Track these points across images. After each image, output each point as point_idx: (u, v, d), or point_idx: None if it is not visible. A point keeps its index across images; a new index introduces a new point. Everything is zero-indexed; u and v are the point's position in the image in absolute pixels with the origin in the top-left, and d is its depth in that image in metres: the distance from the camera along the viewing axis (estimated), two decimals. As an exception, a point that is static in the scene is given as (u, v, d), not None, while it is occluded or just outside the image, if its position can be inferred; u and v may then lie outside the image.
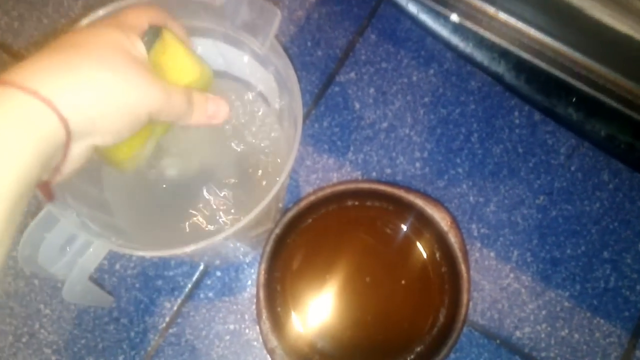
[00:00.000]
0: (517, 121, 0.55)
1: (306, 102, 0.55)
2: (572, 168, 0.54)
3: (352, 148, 0.54)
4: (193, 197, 0.43)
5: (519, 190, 0.53)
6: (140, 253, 0.34)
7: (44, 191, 0.28)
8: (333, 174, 0.53)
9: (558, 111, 0.42)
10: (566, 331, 0.50)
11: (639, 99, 0.35)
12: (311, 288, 0.47)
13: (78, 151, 0.26)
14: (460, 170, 0.54)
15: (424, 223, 0.47)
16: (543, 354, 0.49)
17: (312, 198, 0.45)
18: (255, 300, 0.44)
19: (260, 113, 0.44)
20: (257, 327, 0.44)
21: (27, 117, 0.23)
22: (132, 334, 0.49)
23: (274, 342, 0.43)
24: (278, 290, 0.46)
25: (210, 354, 0.49)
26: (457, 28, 0.42)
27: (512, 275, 0.51)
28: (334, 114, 0.55)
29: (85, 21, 0.35)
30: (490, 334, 0.50)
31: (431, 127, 0.55)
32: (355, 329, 0.46)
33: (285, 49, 0.56)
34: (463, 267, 0.44)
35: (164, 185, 0.43)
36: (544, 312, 0.50)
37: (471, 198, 0.53)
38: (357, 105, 0.55)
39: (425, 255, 0.47)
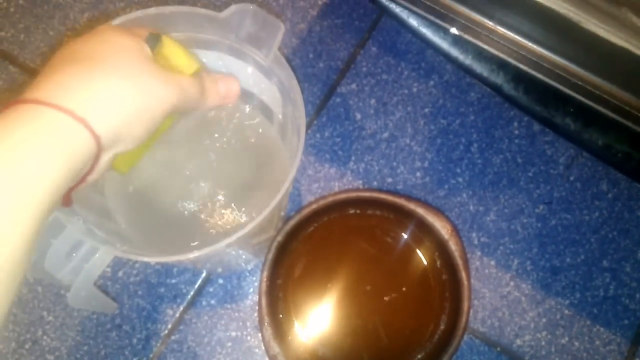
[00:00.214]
0: (516, 132, 0.56)
1: (308, 113, 0.56)
2: (571, 178, 0.55)
3: (353, 158, 0.55)
4: (195, 205, 0.43)
5: (518, 199, 0.54)
6: (145, 259, 0.35)
7: (64, 198, 0.29)
8: (335, 183, 0.54)
9: (556, 121, 0.43)
10: (566, 339, 0.50)
11: (635, 109, 0.36)
12: (313, 295, 0.47)
13: (104, 161, 0.27)
14: (460, 179, 0.54)
15: (424, 231, 0.47)
16: (543, 363, 0.50)
17: (314, 206, 0.46)
18: (257, 307, 0.45)
19: (263, 123, 0.45)
20: (259, 334, 0.45)
21: (62, 135, 0.23)
22: (135, 340, 0.50)
23: (275, 349, 0.43)
24: (280, 297, 0.47)
25: (212, 362, 0.49)
26: (456, 41, 0.43)
27: (512, 283, 0.52)
28: (336, 124, 0.56)
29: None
30: (491, 341, 0.50)
31: (431, 137, 0.56)
32: (357, 336, 0.46)
33: (288, 61, 0.57)
34: (464, 275, 0.45)
35: (165, 195, 0.43)
36: (544, 320, 0.51)
37: (471, 207, 0.54)
38: (359, 116, 0.56)
39: (426, 263, 0.48)
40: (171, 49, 0.33)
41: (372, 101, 0.56)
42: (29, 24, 0.59)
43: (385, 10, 0.46)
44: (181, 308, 0.51)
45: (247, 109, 0.45)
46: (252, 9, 0.37)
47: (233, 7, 0.37)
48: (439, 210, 0.47)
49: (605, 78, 0.35)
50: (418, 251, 0.48)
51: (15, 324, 0.50)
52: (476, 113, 0.56)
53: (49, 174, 0.23)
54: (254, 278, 0.51)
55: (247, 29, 0.38)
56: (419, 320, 0.47)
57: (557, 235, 0.53)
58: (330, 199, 0.46)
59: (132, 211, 0.43)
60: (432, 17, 0.39)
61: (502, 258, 0.52)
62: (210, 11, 0.37)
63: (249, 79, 0.43)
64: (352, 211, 0.49)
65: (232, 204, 0.44)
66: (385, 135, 0.55)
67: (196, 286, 0.51)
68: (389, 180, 0.54)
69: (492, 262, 0.52)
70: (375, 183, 0.54)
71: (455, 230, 0.46)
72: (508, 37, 0.37)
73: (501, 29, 0.37)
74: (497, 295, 0.51)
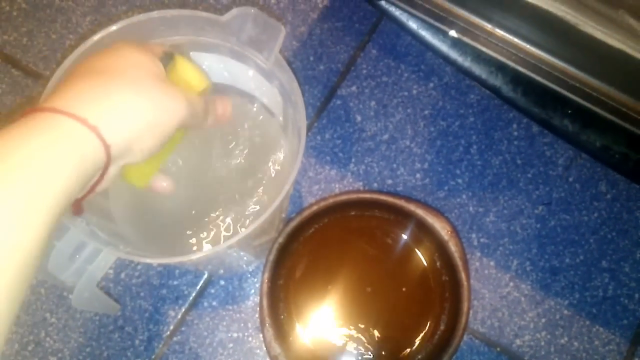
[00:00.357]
0: (515, 133, 0.56)
1: (309, 115, 0.56)
2: (570, 179, 0.55)
3: (353, 159, 0.55)
4: (198, 208, 0.44)
5: (517, 200, 0.54)
6: (147, 260, 0.35)
7: (75, 207, 0.29)
8: (335, 184, 0.54)
9: (554, 123, 0.43)
10: (566, 339, 0.50)
11: (632, 111, 0.36)
12: (314, 296, 0.47)
13: (113, 172, 0.27)
14: (460, 181, 0.55)
15: (424, 232, 0.47)
16: (543, 363, 0.50)
17: (315, 208, 0.46)
18: (258, 308, 0.45)
19: (264, 125, 0.45)
20: (260, 335, 0.45)
21: (74, 142, 0.24)
22: (137, 342, 0.50)
23: (276, 349, 0.43)
24: (281, 298, 0.47)
25: (213, 363, 0.49)
26: (455, 43, 0.44)
27: (511, 284, 0.52)
28: (336, 127, 0.56)
29: (96, 37, 0.37)
30: (491, 341, 0.50)
31: (431, 139, 0.56)
32: (357, 336, 0.47)
33: (289, 64, 0.57)
34: (463, 276, 0.45)
35: (168, 197, 0.43)
36: (543, 320, 0.51)
37: (471, 208, 0.54)
38: (359, 118, 0.56)
39: (426, 264, 0.48)
40: (184, 67, 0.34)
41: (372, 103, 0.57)
42: (32, 28, 0.59)
43: (384, 14, 0.47)
44: (183, 309, 0.51)
45: (253, 110, 0.45)
46: (253, 12, 0.37)
47: (234, 11, 0.37)
48: (438, 212, 0.48)
49: (602, 80, 0.36)
50: (418, 252, 0.49)
51: (19, 325, 0.50)
52: (476, 115, 0.56)
53: (60, 179, 0.23)
54: (255, 279, 0.52)
55: (248, 32, 0.38)
56: (419, 321, 0.47)
57: (556, 236, 0.53)
58: (331, 200, 0.47)
59: (134, 213, 0.44)
60: (431, 20, 0.39)
61: (501, 259, 0.53)
62: (211, 15, 0.38)
63: (250, 82, 0.43)
64: (352, 212, 0.49)
65: (234, 206, 0.44)
66: (386, 137, 0.56)
67: (198, 288, 0.51)
68: (389, 181, 0.55)
69: (492, 263, 0.52)
70: (375, 185, 0.55)
71: (455, 231, 0.46)
72: (506, 39, 0.37)
73: (499, 32, 0.37)
74: (497, 296, 0.51)
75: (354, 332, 0.47)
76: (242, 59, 0.41)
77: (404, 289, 0.48)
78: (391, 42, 0.59)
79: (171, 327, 0.50)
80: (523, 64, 0.38)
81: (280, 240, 0.45)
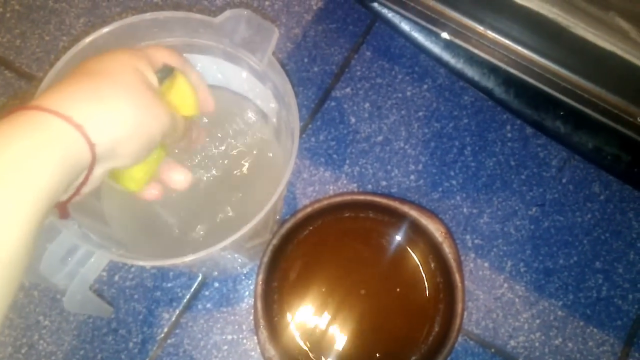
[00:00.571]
0: (509, 135, 0.56)
1: (303, 117, 0.56)
2: (564, 180, 0.55)
3: (348, 161, 0.55)
4: (190, 209, 0.44)
5: (511, 202, 0.54)
6: (140, 263, 0.35)
7: (60, 210, 0.29)
8: (329, 186, 0.54)
9: (546, 124, 0.43)
10: (560, 340, 0.51)
11: (623, 112, 0.36)
12: (308, 298, 0.47)
13: (98, 174, 0.27)
14: (454, 182, 0.55)
15: (418, 234, 0.47)
16: (537, 364, 0.50)
17: (309, 210, 0.46)
18: (252, 310, 0.45)
19: (257, 127, 0.45)
20: (255, 337, 0.45)
21: (59, 140, 0.24)
22: (131, 344, 0.50)
23: (271, 351, 0.43)
24: (275, 300, 0.47)
25: (208, 365, 0.49)
26: (448, 45, 0.44)
27: (506, 285, 0.52)
28: (330, 128, 0.56)
29: (89, 39, 0.37)
30: (485, 343, 0.50)
31: (425, 140, 0.56)
32: (352, 338, 0.47)
33: (283, 65, 0.57)
34: (457, 277, 0.45)
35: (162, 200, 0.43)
36: (537, 321, 0.51)
37: (465, 209, 0.54)
38: (353, 120, 0.56)
39: (420, 266, 0.48)
40: (183, 86, 0.34)
41: (367, 105, 0.57)
42: (25, 29, 0.59)
43: (378, 16, 0.47)
44: (177, 312, 0.51)
45: (245, 114, 0.45)
46: (246, 14, 0.37)
47: (227, 13, 0.37)
48: (432, 213, 0.48)
49: (594, 82, 0.36)
50: (412, 254, 0.49)
51: (12, 328, 0.50)
52: (469, 116, 0.57)
53: (43, 175, 0.23)
54: (250, 281, 0.52)
55: (242, 34, 0.38)
56: (414, 322, 0.47)
57: (550, 237, 0.53)
58: (325, 202, 0.47)
59: (127, 216, 0.44)
60: (423, 22, 0.40)
61: (495, 260, 0.53)
62: (205, 16, 0.38)
63: (243, 84, 0.43)
64: (346, 214, 0.49)
65: (228, 208, 0.44)
66: (380, 138, 0.56)
67: (192, 290, 0.51)
68: (384, 183, 0.55)
69: (486, 264, 0.53)
70: (369, 186, 0.55)
71: (449, 232, 0.46)
72: (498, 41, 0.37)
73: (491, 34, 0.37)
74: (491, 297, 0.52)
75: (348, 334, 0.47)
76: (236, 61, 0.41)
77: (398, 290, 0.48)
78: (385, 44, 0.59)
79: (165, 330, 0.50)
80: (515, 66, 0.38)
81: (275, 242, 0.45)
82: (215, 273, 0.52)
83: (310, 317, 0.47)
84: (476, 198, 0.54)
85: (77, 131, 0.25)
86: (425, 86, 0.57)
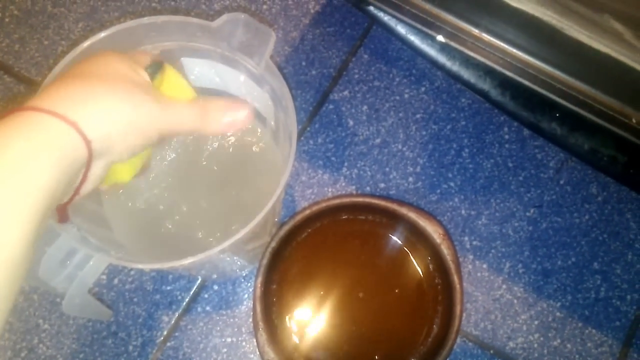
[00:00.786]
0: (506, 136, 0.56)
1: (301, 120, 0.57)
2: (561, 181, 0.55)
3: (346, 163, 0.55)
4: (189, 212, 0.44)
5: (509, 203, 0.55)
6: (139, 266, 0.35)
7: (60, 213, 0.29)
8: (328, 188, 0.55)
9: (543, 126, 0.44)
10: (558, 341, 0.51)
11: (619, 114, 0.37)
12: (307, 301, 0.47)
13: (96, 171, 0.28)
14: (452, 184, 0.55)
15: (417, 236, 0.48)
16: (536, 365, 0.50)
17: (308, 212, 0.46)
18: (252, 313, 0.45)
19: (255, 130, 0.45)
20: (254, 340, 0.45)
21: (54, 138, 0.25)
22: (130, 347, 0.50)
23: (270, 354, 0.43)
24: (274, 303, 0.47)
25: (207, 368, 0.49)
26: (444, 48, 0.44)
27: (504, 286, 0.52)
28: (329, 131, 0.56)
29: (86, 43, 0.37)
30: (484, 344, 0.51)
31: (423, 142, 0.56)
32: (351, 340, 0.47)
33: (281, 69, 0.58)
34: (456, 279, 0.45)
35: (161, 205, 0.44)
36: (536, 323, 0.51)
37: (463, 211, 0.54)
38: (351, 122, 0.57)
39: (418, 267, 0.48)
40: (170, 76, 0.34)
41: (364, 108, 0.57)
42: (24, 34, 0.60)
43: (374, 19, 0.47)
44: (177, 314, 0.51)
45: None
46: (243, 18, 0.37)
47: (225, 16, 0.37)
48: (431, 215, 0.48)
49: (589, 83, 0.36)
50: (411, 256, 0.49)
51: (11, 332, 0.50)
52: (467, 118, 0.57)
53: (43, 175, 0.23)
54: (249, 284, 0.52)
55: (239, 37, 0.38)
56: (412, 324, 0.47)
57: (548, 239, 0.54)
58: (324, 204, 0.47)
59: (127, 219, 0.44)
60: (419, 25, 0.40)
61: (494, 261, 0.53)
62: (202, 20, 0.38)
63: (241, 87, 0.43)
64: (345, 217, 0.49)
65: (226, 211, 0.44)
66: (378, 141, 0.56)
67: (191, 293, 0.51)
68: (382, 185, 0.55)
69: (484, 266, 0.53)
70: (368, 188, 0.55)
71: (448, 234, 0.46)
72: (493, 44, 0.38)
73: (486, 36, 0.37)
74: (490, 299, 0.52)
75: (347, 336, 0.47)
76: (233, 65, 0.41)
77: (396, 292, 0.48)
78: (382, 46, 0.59)
79: (165, 333, 0.50)
80: (510, 68, 0.38)
81: (273, 244, 0.46)
82: (215, 276, 0.52)
83: (309, 319, 0.47)
84: (474, 200, 0.55)
85: (72, 128, 0.25)
86: (423, 89, 0.58)
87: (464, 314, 0.46)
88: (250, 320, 0.50)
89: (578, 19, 0.33)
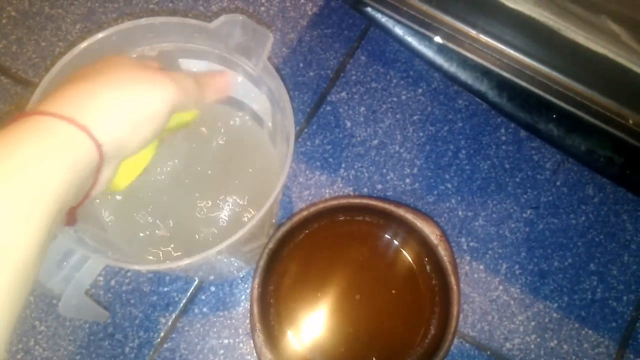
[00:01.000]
0: (503, 138, 0.57)
1: (299, 121, 0.57)
2: (558, 183, 0.55)
3: (343, 165, 0.55)
4: (186, 213, 0.44)
5: (506, 204, 0.55)
6: (136, 267, 0.35)
7: (69, 216, 0.29)
8: (325, 190, 0.55)
9: (540, 127, 0.44)
10: (555, 342, 0.51)
11: (615, 115, 0.37)
12: (304, 302, 0.47)
13: (107, 173, 0.28)
14: (449, 185, 0.55)
15: (414, 237, 0.48)
16: (533, 366, 0.50)
17: (305, 213, 0.46)
18: (249, 314, 0.45)
19: (253, 131, 0.45)
20: (251, 341, 0.45)
21: (65, 143, 0.24)
22: (127, 349, 0.50)
23: (267, 355, 0.43)
24: (271, 304, 0.47)
25: (204, 370, 0.49)
26: (441, 49, 0.44)
27: (501, 287, 0.52)
28: (326, 132, 0.56)
29: (84, 44, 0.37)
30: (481, 345, 0.51)
31: (420, 144, 0.56)
32: (348, 342, 0.47)
33: (278, 70, 0.58)
34: (453, 280, 0.45)
35: (157, 207, 0.43)
36: (533, 324, 0.51)
37: (460, 212, 0.54)
38: (348, 124, 0.57)
39: (415, 269, 0.48)
40: None
41: (362, 109, 0.57)
42: (21, 36, 0.59)
43: (372, 21, 0.47)
44: (173, 316, 0.51)
45: (239, 118, 0.45)
46: (241, 19, 0.37)
47: (223, 18, 0.37)
48: (428, 216, 0.48)
49: (585, 85, 0.36)
50: (408, 256, 0.49)
51: (7, 334, 0.50)
52: (464, 120, 0.57)
53: (55, 179, 0.23)
54: (246, 285, 0.52)
55: (237, 39, 0.38)
56: (409, 325, 0.47)
57: (544, 240, 0.54)
58: (321, 205, 0.47)
59: (122, 219, 0.44)
60: (416, 26, 0.40)
61: (490, 262, 0.53)
62: (200, 22, 0.38)
63: (239, 89, 0.43)
64: (342, 218, 0.49)
65: (224, 213, 0.44)
66: (375, 142, 0.56)
67: (188, 294, 0.51)
68: (379, 186, 0.55)
69: (481, 267, 0.53)
70: (365, 190, 0.55)
71: (444, 235, 0.47)
72: (490, 45, 0.38)
73: (484, 38, 0.38)
74: (487, 300, 0.52)
75: (344, 337, 0.47)
76: (231, 66, 0.41)
77: (393, 293, 0.48)
78: (380, 48, 0.59)
79: (162, 334, 0.50)
80: (507, 70, 0.38)
81: (271, 245, 0.45)
82: (212, 277, 0.52)
83: (306, 320, 0.47)
84: (471, 201, 0.55)
85: (82, 132, 0.25)
86: (420, 90, 0.58)
87: (461, 315, 0.46)
88: (248, 321, 0.50)
89: (575, 20, 0.33)
